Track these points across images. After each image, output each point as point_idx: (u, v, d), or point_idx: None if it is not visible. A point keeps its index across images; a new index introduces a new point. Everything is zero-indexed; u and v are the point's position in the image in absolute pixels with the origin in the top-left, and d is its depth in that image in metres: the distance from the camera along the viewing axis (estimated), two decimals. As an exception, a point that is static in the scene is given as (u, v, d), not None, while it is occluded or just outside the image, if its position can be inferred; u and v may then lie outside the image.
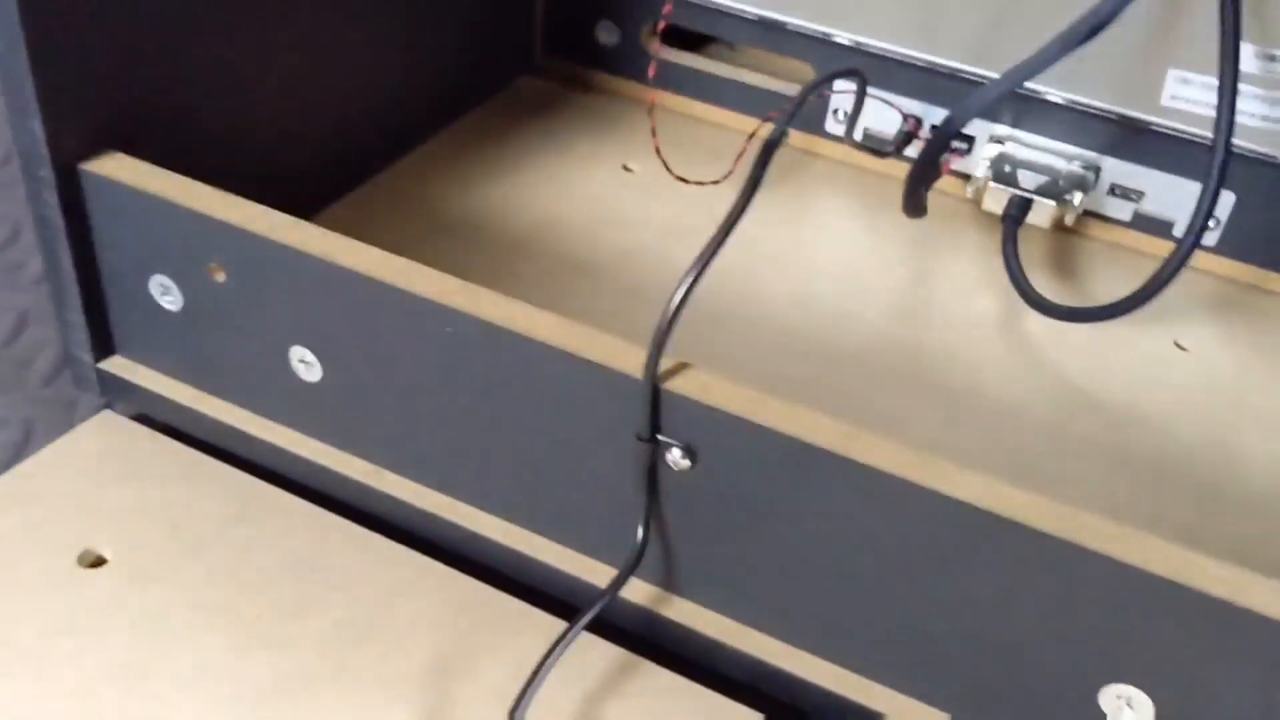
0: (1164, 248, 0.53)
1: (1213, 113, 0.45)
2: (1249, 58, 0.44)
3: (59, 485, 0.41)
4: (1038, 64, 0.40)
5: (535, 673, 0.33)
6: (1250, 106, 0.45)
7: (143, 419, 0.44)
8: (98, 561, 0.38)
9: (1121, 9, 0.38)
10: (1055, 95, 0.50)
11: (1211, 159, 0.42)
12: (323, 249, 0.36)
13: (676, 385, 0.33)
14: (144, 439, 0.43)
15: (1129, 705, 0.32)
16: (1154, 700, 0.31)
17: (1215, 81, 0.44)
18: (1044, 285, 0.51)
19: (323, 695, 0.35)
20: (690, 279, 0.32)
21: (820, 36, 0.53)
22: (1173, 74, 0.46)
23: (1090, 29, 0.39)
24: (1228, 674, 0.30)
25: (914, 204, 0.46)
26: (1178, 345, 0.49)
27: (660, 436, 0.34)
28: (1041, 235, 0.53)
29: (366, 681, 0.35)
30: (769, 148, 0.33)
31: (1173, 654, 0.30)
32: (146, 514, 0.40)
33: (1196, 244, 0.43)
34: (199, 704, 0.34)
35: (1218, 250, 0.52)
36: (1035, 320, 0.49)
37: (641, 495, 0.35)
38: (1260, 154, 0.48)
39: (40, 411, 0.45)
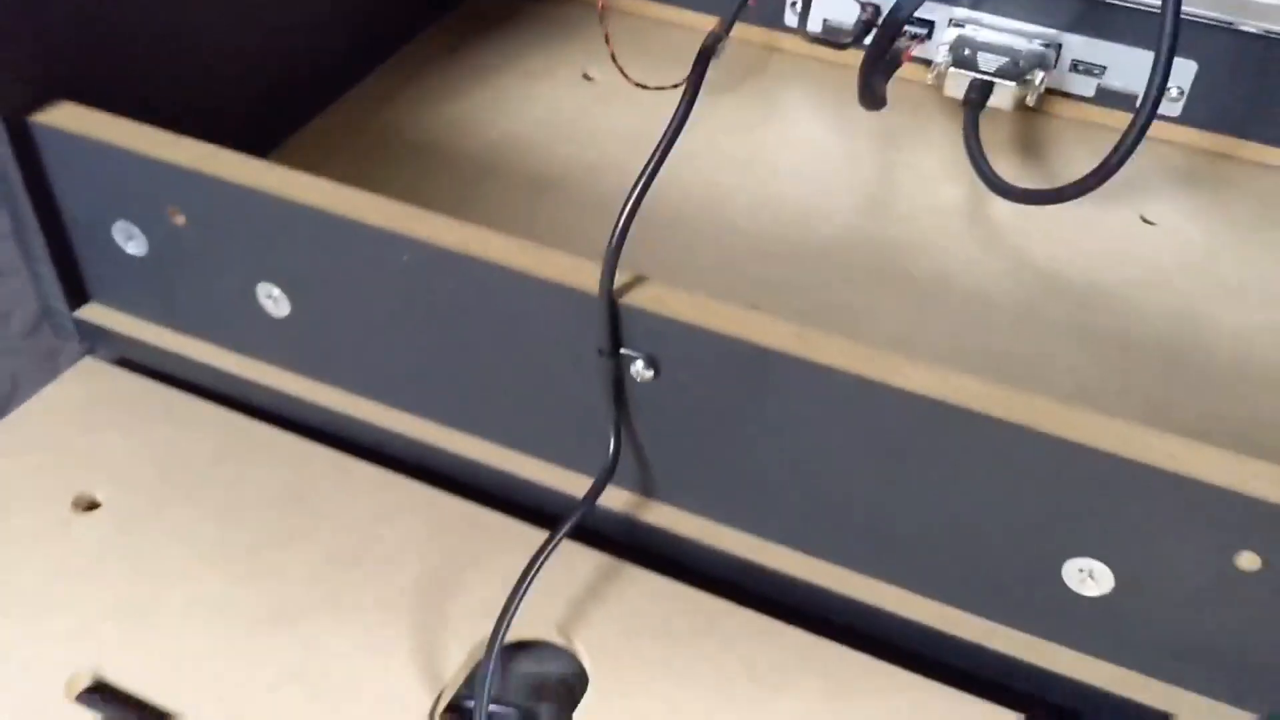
0: (1127, 120, 0.52)
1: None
2: (1198, -76, 0.43)
3: (48, 433, 0.42)
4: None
5: (520, 583, 0.34)
6: (1203, -28, 0.45)
7: (125, 363, 0.45)
8: (91, 505, 0.40)
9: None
10: (1010, -27, 0.49)
11: (1161, 27, 0.42)
12: (275, 185, 0.36)
13: (633, 299, 0.34)
14: (127, 383, 0.44)
15: (1090, 577, 0.33)
16: (1113, 570, 0.32)
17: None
18: (1011, 167, 0.51)
19: (318, 620, 0.36)
20: (634, 195, 0.32)
21: (770, -71, 0.52)
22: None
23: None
24: (1180, 541, 0.31)
25: (870, 95, 0.46)
26: (1144, 219, 0.49)
27: (623, 350, 0.35)
28: (1006, 117, 0.53)
29: (359, 605, 0.37)
30: (704, 55, 0.33)
31: (1127, 526, 0.31)
32: (135, 456, 0.41)
33: (1151, 118, 0.43)
34: (197, 637, 0.36)
35: (1183, 120, 0.52)
36: (1001, 205, 0.49)
37: (610, 408, 0.36)
38: (1218, 20, 0.47)
39: (23, 363, 0.46)
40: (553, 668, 0.36)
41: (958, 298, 0.45)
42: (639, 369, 0.34)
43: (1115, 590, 0.33)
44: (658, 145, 0.33)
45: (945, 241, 0.48)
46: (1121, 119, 0.52)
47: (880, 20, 0.52)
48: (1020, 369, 0.43)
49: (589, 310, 0.34)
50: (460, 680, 0.35)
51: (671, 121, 0.33)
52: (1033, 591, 0.34)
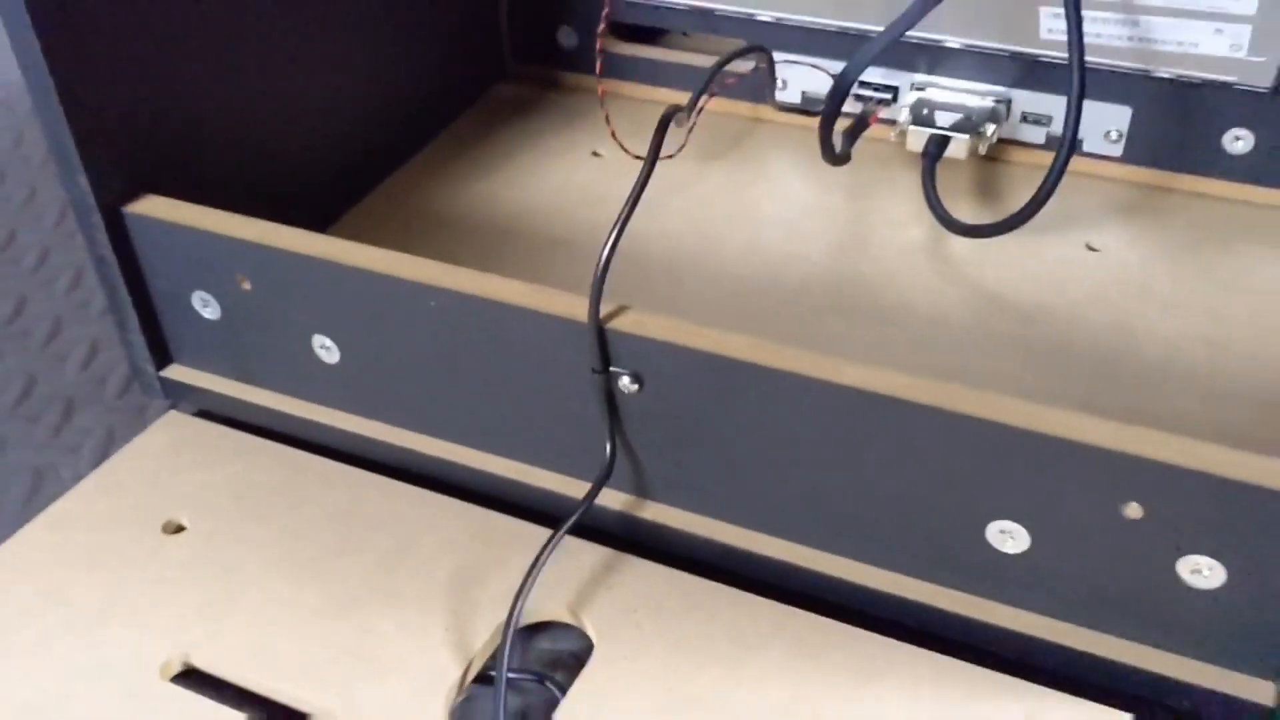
0: (1075, 162, 0.59)
1: (1103, 42, 0.51)
2: (1101, -12, 0.50)
3: (140, 473, 0.49)
4: (911, 17, 0.47)
5: (530, 571, 0.41)
6: (1115, 30, 0.52)
7: (203, 414, 0.52)
8: (179, 529, 0.47)
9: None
10: (954, 42, 0.56)
11: (1070, 80, 0.48)
12: (324, 251, 0.44)
13: (617, 324, 0.40)
14: (205, 430, 0.51)
15: (1011, 537, 0.38)
16: (1028, 530, 0.38)
17: (1087, 15, 0.51)
18: (971, 209, 0.58)
19: (367, 611, 0.43)
20: (612, 239, 0.39)
21: (744, 17, 0.60)
22: (1044, 10, 0.52)
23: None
24: (1077, 498, 0.36)
25: (831, 153, 0.52)
26: (1089, 247, 0.56)
27: (612, 368, 0.41)
28: (965, 165, 0.60)
29: (402, 596, 0.43)
30: (663, 123, 0.40)
31: (1034, 489, 0.37)
32: (213, 488, 0.48)
33: (1070, 156, 0.49)
34: (269, 628, 0.43)
35: (1124, 159, 0.58)
36: (960, 242, 0.56)
37: (605, 419, 0.42)
38: (1135, 69, 0.54)
39: (118, 419, 0.54)
40: (565, 643, 0.43)
41: (918, 322, 0.52)
42: (625, 383, 0.41)
43: (1032, 547, 0.38)
44: (629, 197, 0.40)
45: (908, 275, 0.54)
46: (1070, 161, 0.59)
47: (856, 88, 0.60)
48: (970, 379, 0.49)
49: (581, 336, 0.41)
50: (486, 654, 0.41)
51: (640, 177, 0.40)
52: (964, 553, 0.39)
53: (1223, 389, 0.48)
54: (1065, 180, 0.59)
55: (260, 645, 0.42)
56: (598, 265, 0.40)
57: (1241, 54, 0.50)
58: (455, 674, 0.41)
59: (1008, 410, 0.36)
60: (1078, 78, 0.48)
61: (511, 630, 0.40)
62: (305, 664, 0.41)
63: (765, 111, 0.65)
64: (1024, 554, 0.39)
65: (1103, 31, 0.52)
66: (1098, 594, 0.38)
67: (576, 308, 0.41)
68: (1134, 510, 0.36)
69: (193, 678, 0.42)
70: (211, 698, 0.41)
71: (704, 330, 0.40)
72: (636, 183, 0.40)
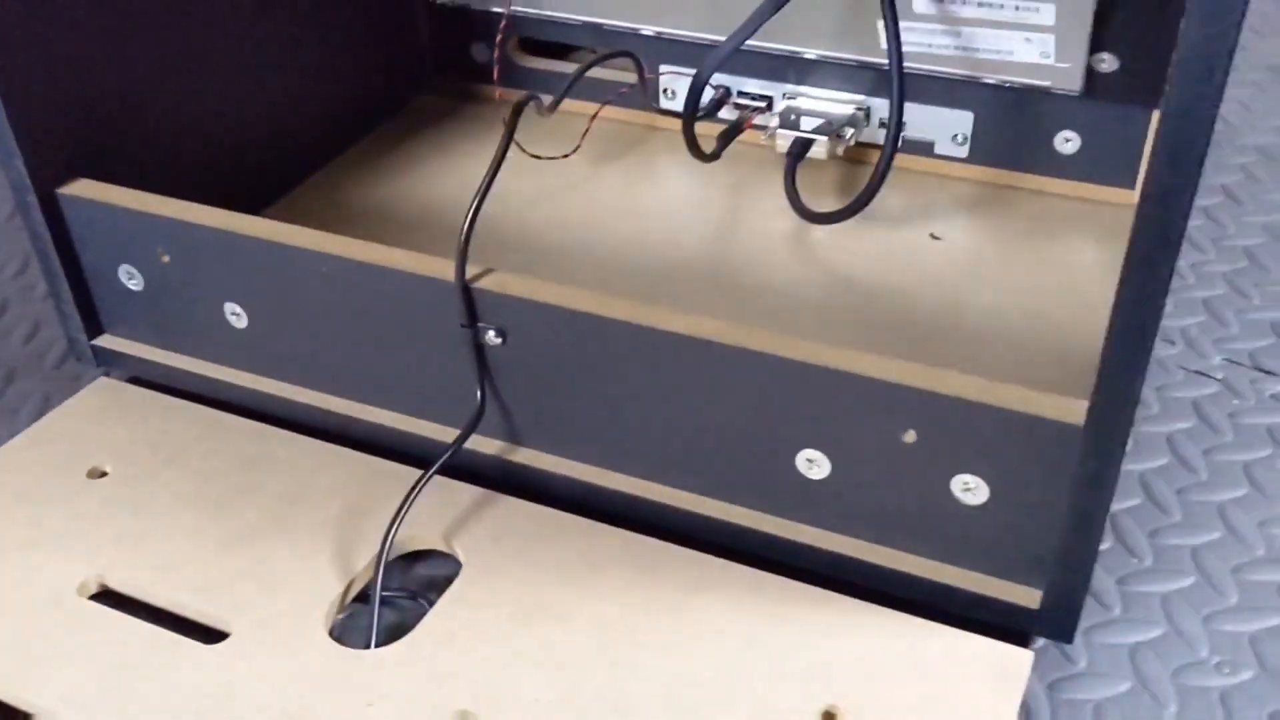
0: (928, 164, 0.66)
1: (934, 51, 0.58)
2: (924, 3, 0.56)
3: (68, 429, 0.55)
4: (749, 28, 0.54)
5: (402, 505, 0.47)
6: (943, 40, 0.58)
7: (134, 380, 0.58)
8: (101, 474, 0.52)
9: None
10: (811, 54, 0.63)
11: (890, 85, 0.55)
12: (231, 225, 0.50)
13: (481, 284, 0.46)
14: (132, 392, 0.57)
15: (815, 464, 0.44)
16: (828, 457, 0.44)
17: (914, 26, 0.57)
18: (831, 202, 0.64)
19: (264, 541, 0.48)
20: (472, 209, 0.46)
21: (631, 32, 0.66)
22: (881, 26, 0.59)
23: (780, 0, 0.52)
24: (865, 426, 0.42)
25: (695, 148, 0.59)
26: (933, 236, 0.62)
27: (479, 324, 0.47)
28: (830, 165, 0.66)
29: (295, 530, 0.49)
30: (516, 110, 0.47)
31: (829, 419, 0.43)
32: (135, 441, 0.54)
33: (894, 153, 0.56)
34: (176, 556, 0.48)
35: (970, 160, 0.65)
36: (819, 231, 0.62)
37: (474, 370, 0.48)
38: (969, 76, 0.60)
39: (54, 386, 0.59)
40: (439, 569, 0.48)
41: (774, 298, 0.58)
42: (491, 337, 0.47)
43: (833, 472, 0.44)
44: (485, 176, 0.46)
45: (770, 259, 0.61)
46: (921, 162, 0.66)
47: (735, 96, 0.67)
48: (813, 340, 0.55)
49: (452, 294, 0.47)
50: (365, 577, 0.47)
51: (495, 157, 0.46)
52: (777, 480, 0.45)
53: (1033, 350, 0.54)
54: (917, 179, 0.66)
55: (168, 568, 0.48)
56: (461, 230, 0.46)
57: (1050, 61, 0.56)
58: (338, 591, 0.46)
59: (800, 349, 0.43)
60: (897, 83, 0.55)
61: (386, 552, 0.46)
62: (208, 584, 0.47)
63: (660, 120, 0.71)
64: (827, 479, 0.45)
65: (933, 42, 0.58)
66: (889, 513, 0.44)
67: (447, 270, 0.47)
68: (910, 436, 0.42)
69: (108, 597, 0.47)
70: (125, 612, 0.46)
71: (554, 286, 0.46)
72: (492, 161, 0.46)
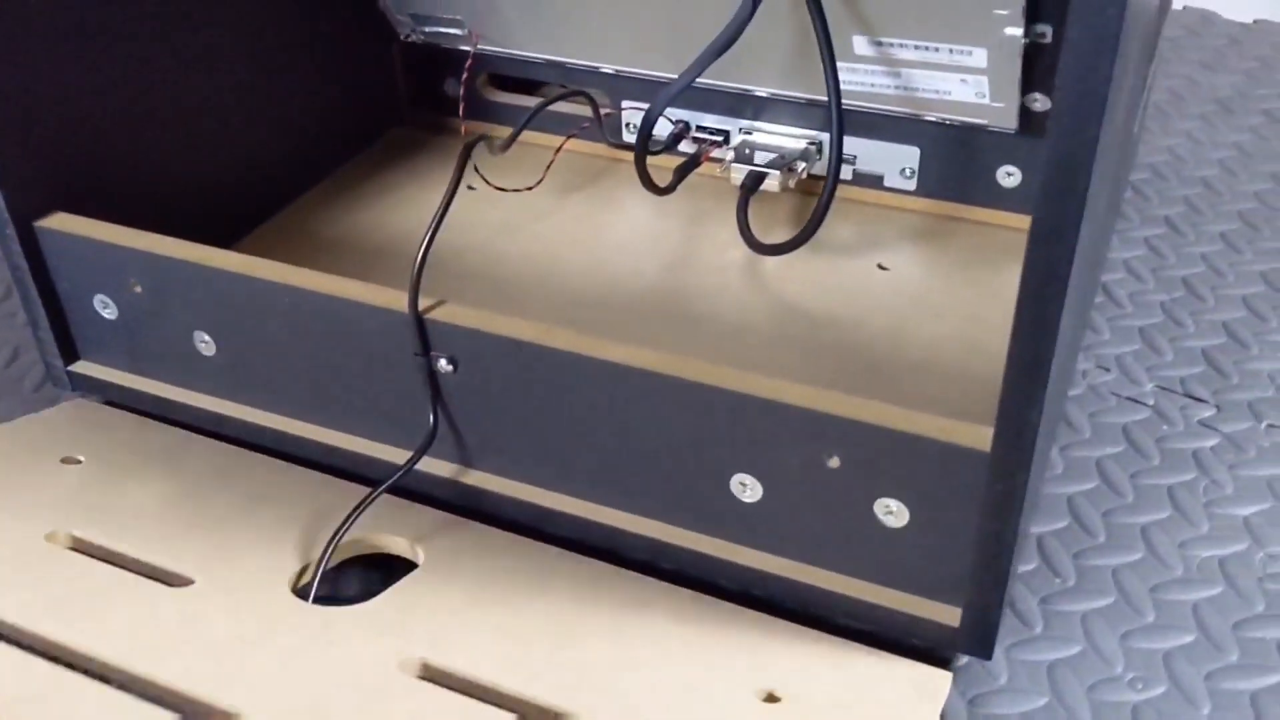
0: (877, 196, 0.68)
1: (877, 90, 0.61)
2: (864, 45, 0.59)
3: (44, 428, 0.57)
4: (695, 70, 0.56)
5: (358, 506, 0.49)
6: (884, 80, 0.61)
7: (109, 403, 0.60)
8: (75, 461, 0.55)
9: (740, 31, 0.54)
10: (762, 91, 0.66)
11: (829, 119, 0.58)
12: (196, 257, 0.52)
13: (434, 315, 0.49)
14: (106, 410, 0.59)
15: (748, 488, 0.47)
16: (760, 481, 0.46)
17: (855, 67, 0.60)
18: (783, 234, 0.66)
19: (235, 525, 0.51)
20: (424, 246, 0.48)
21: (591, 69, 0.69)
22: (841, 65, 0.62)
23: (725, 43, 0.54)
24: (792, 452, 0.45)
25: (648, 181, 0.61)
26: (880, 266, 0.64)
27: (432, 353, 0.50)
28: (783, 198, 0.69)
29: (262, 523, 0.52)
30: (465, 151, 0.49)
31: (759, 445, 0.45)
32: (108, 443, 0.56)
33: (834, 190, 0.59)
34: (146, 529, 0.51)
35: (918, 193, 0.67)
36: (771, 263, 0.65)
37: (427, 396, 0.51)
38: (912, 114, 0.63)
39: (33, 409, 0.61)
40: (398, 570, 0.50)
41: (725, 326, 0.60)
42: (443, 365, 0.50)
43: (765, 496, 0.46)
44: (437, 210, 0.49)
45: (722, 289, 0.63)
46: (871, 194, 0.69)
47: (694, 130, 0.69)
48: (758, 369, 0.57)
49: (406, 325, 0.49)
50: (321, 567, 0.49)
51: (445, 195, 0.49)
52: (713, 504, 0.48)
53: (971, 380, 0.56)
54: (867, 210, 0.68)
55: (135, 533, 0.51)
56: (414, 264, 0.48)
57: (986, 100, 0.59)
58: (298, 566, 0.49)
59: (730, 379, 0.45)
60: (836, 123, 0.57)
61: (332, 547, 0.49)
62: (174, 550, 0.50)
63: (623, 153, 0.74)
64: (760, 502, 0.47)
65: (875, 82, 0.61)
66: (819, 535, 0.46)
67: (401, 301, 0.49)
68: (835, 461, 0.44)
69: (80, 546, 0.51)
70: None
71: (501, 318, 0.48)
72: (442, 200, 0.49)
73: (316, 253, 0.67)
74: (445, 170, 0.74)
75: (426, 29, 0.72)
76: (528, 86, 0.76)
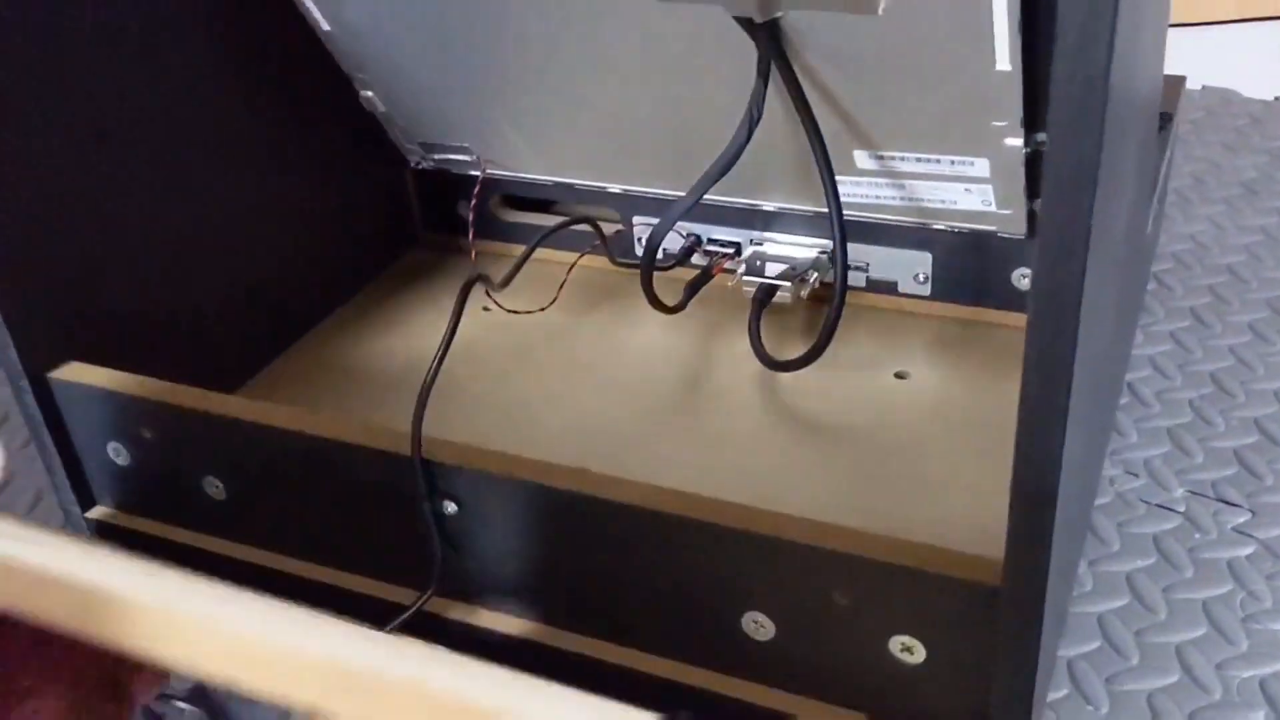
0: (893, 301, 0.67)
1: (883, 201, 0.60)
2: (865, 159, 0.59)
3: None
4: (699, 191, 0.56)
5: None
6: (889, 192, 0.60)
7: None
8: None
9: (738, 155, 0.54)
10: (770, 206, 0.65)
11: (833, 231, 0.57)
12: (203, 405, 0.53)
13: (436, 455, 0.49)
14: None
15: (761, 626, 0.45)
16: (772, 619, 0.45)
17: (859, 180, 0.60)
18: (799, 346, 0.66)
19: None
20: (428, 380, 0.48)
21: (599, 189, 0.69)
22: (840, 179, 0.61)
23: (724, 167, 0.54)
24: (801, 590, 0.44)
25: (654, 298, 0.61)
26: (897, 375, 0.63)
27: (436, 494, 0.49)
28: (796, 308, 0.68)
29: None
30: (464, 292, 0.49)
31: (767, 582, 0.44)
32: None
33: (842, 303, 0.58)
34: None
35: (931, 298, 0.67)
36: (787, 376, 0.64)
37: (434, 534, 0.50)
38: (920, 223, 0.62)
39: (53, 556, 0.62)
40: None
41: (742, 441, 0.59)
42: (447, 507, 0.49)
43: (778, 634, 0.45)
44: (435, 356, 0.48)
45: (740, 403, 0.62)
46: (886, 300, 0.68)
47: (705, 244, 0.69)
48: (775, 490, 0.56)
49: (409, 467, 0.49)
50: None
51: (445, 335, 0.49)
52: (729, 643, 0.46)
53: (994, 494, 0.55)
54: (883, 316, 0.67)
55: None
56: (417, 407, 0.48)
57: (993, 208, 0.58)
58: None
59: (730, 514, 0.44)
60: (839, 241, 0.57)
61: None
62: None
63: (635, 271, 0.74)
64: (773, 640, 0.45)
65: (880, 194, 0.60)
66: (836, 673, 0.45)
67: (404, 443, 0.49)
68: (840, 596, 0.43)
69: None
70: None
71: (503, 456, 0.48)
72: (442, 341, 0.49)
73: (332, 383, 0.67)
74: (448, 294, 0.74)
75: (435, 156, 0.73)
76: (541, 205, 0.77)
